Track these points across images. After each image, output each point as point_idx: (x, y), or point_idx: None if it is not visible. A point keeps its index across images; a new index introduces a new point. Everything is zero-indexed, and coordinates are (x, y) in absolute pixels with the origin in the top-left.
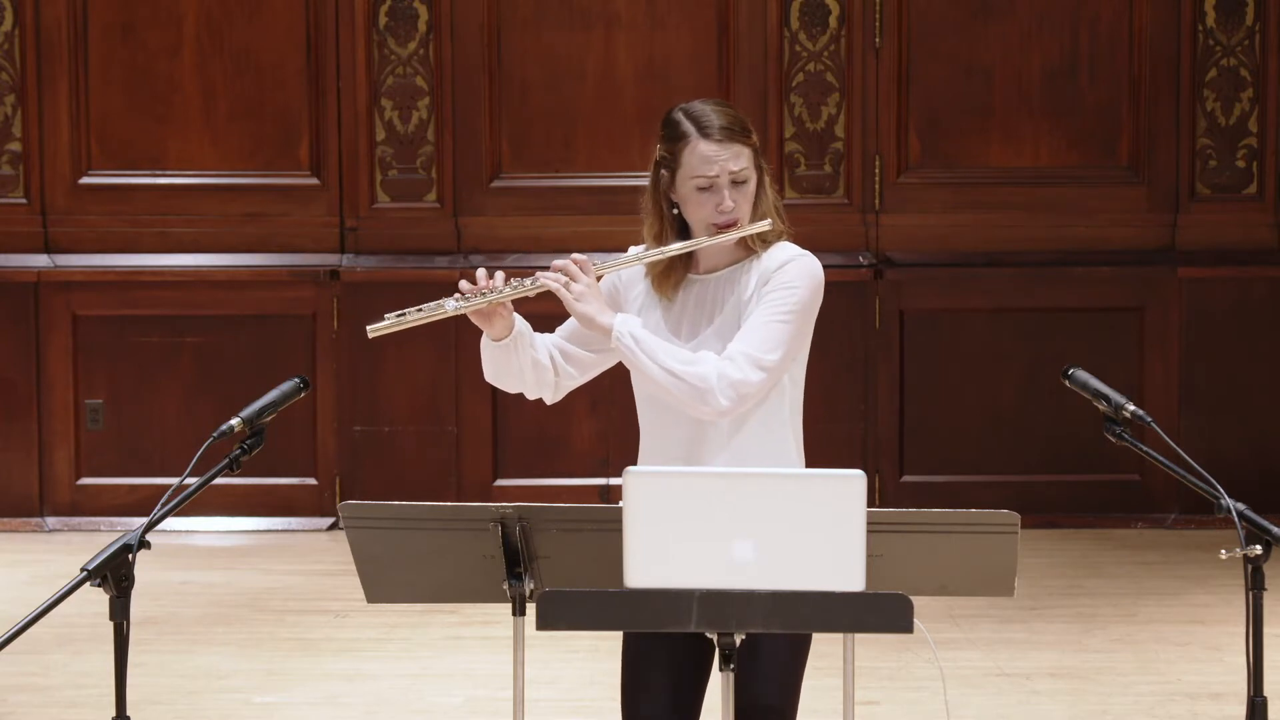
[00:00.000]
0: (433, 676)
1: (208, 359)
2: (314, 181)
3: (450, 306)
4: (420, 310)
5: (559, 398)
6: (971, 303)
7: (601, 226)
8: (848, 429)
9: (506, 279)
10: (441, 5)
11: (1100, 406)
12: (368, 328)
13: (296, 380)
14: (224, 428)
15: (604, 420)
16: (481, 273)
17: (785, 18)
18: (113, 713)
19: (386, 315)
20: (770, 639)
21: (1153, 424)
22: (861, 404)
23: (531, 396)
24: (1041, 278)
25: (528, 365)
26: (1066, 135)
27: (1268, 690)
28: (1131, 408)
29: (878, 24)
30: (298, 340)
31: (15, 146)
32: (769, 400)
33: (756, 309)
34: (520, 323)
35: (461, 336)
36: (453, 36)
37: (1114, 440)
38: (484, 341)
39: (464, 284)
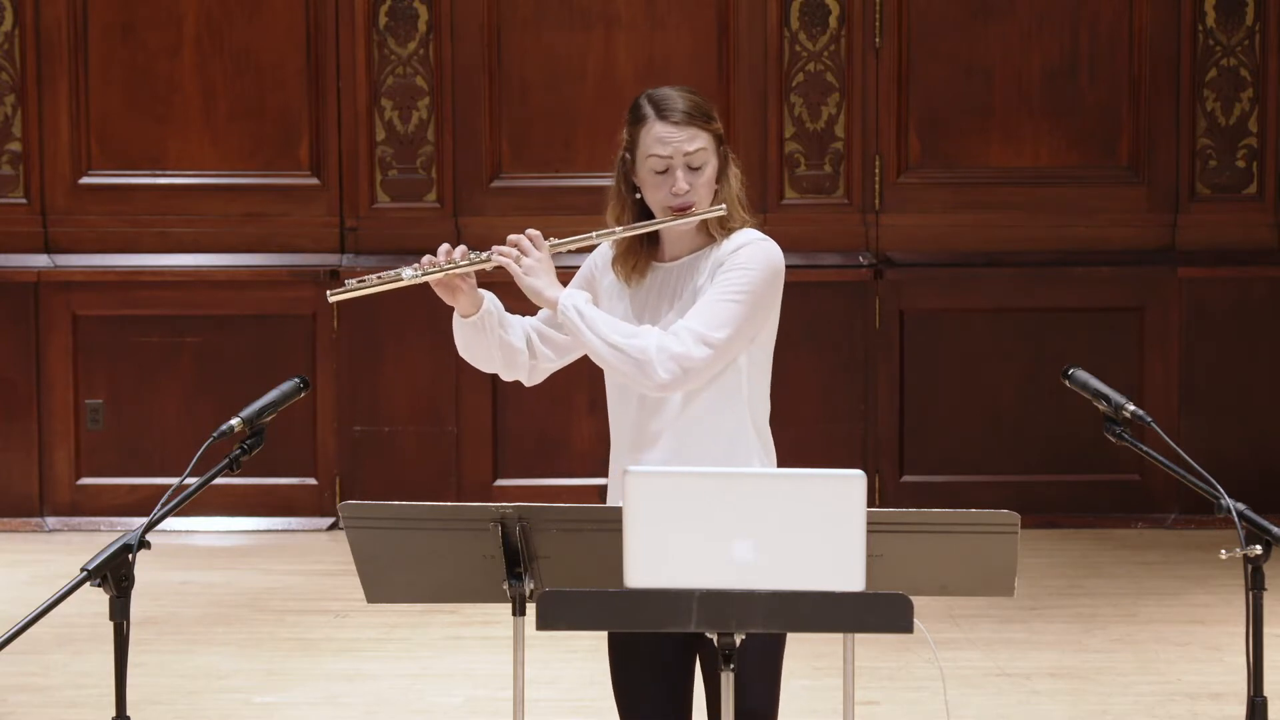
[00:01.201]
0: (433, 676)
1: (208, 359)
2: (314, 181)
3: (407, 275)
4: (379, 278)
5: (537, 380)
6: (971, 303)
7: (601, 226)
8: (848, 429)
9: (466, 253)
10: (441, 5)
11: (1100, 406)
12: (328, 293)
13: (296, 380)
14: (224, 428)
15: (604, 420)
16: (444, 247)
17: (785, 18)
18: (113, 713)
19: (347, 281)
20: (750, 642)
21: (1153, 424)
22: (861, 404)
23: (506, 378)
24: (1041, 278)
25: (495, 345)
26: (1066, 135)
27: (1268, 690)
28: (1131, 408)
29: (878, 24)
30: (298, 340)
31: (15, 146)
32: (723, 382)
33: (709, 289)
34: (490, 302)
35: None
36: (453, 36)
37: (1114, 440)
38: (454, 318)
39: (425, 256)
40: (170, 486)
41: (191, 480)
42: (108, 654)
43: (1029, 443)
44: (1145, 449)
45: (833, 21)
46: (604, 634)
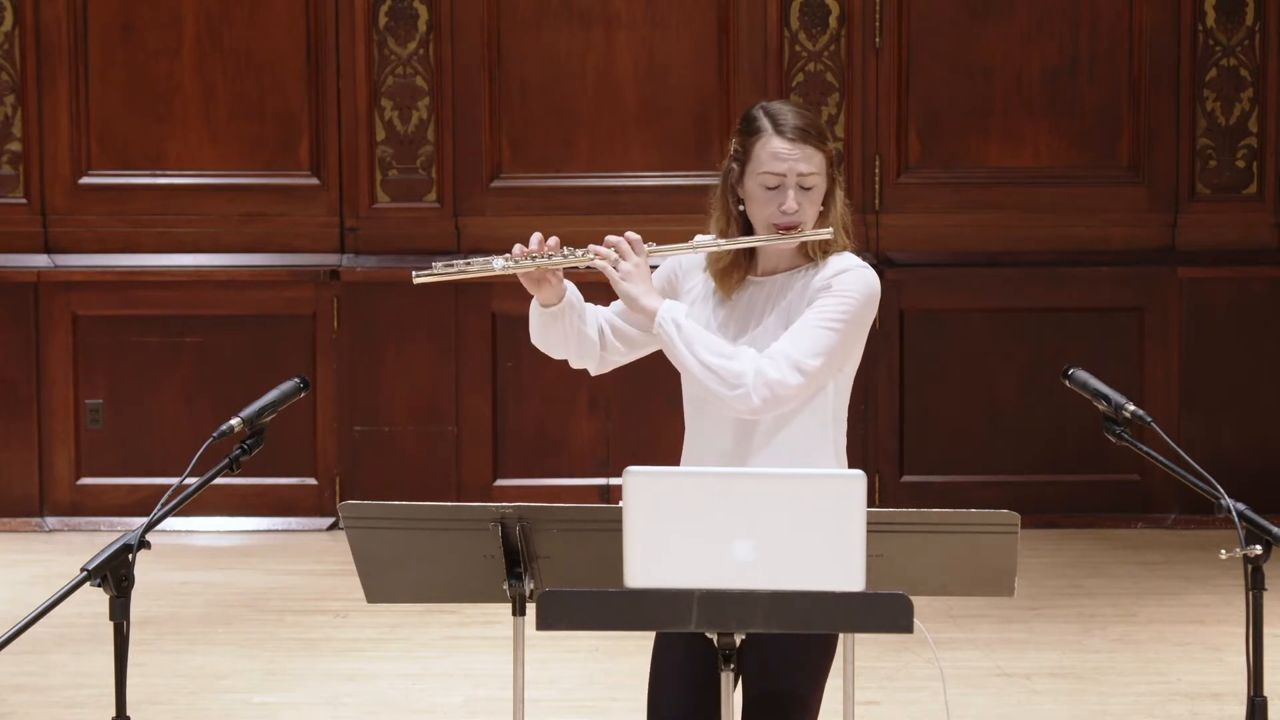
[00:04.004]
0: (433, 676)
1: (208, 359)
2: (314, 181)
3: (498, 265)
4: (469, 263)
5: (604, 370)
6: (971, 303)
7: (601, 227)
8: (848, 429)
9: (558, 245)
10: (441, 5)
11: (1100, 406)
12: (414, 273)
13: (296, 380)
14: (224, 428)
15: (604, 420)
16: (536, 236)
17: (785, 18)
18: (113, 713)
19: (435, 263)
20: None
21: (1153, 424)
22: (861, 404)
23: (575, 366)
24: (1041, 278)
25: (573, 336)
26: (1066, 135)
27: (1268, 690)
28: (1131, 408)
29: (878, 24)
30: (298, 340)
31: (15, 146)
32: (814, 408)
33: (806, 312)
34: (571, 292)
35: (462, 336)
36: (453, 36)
37: (1114, 440)
38: (533, 305)
39: (517, 246)
40: (170, 486)
41: (191, 480)
42: (108, 654)
43: (1029, 443)
44: (1145, 449)
45: (833, 21)
46: (603, 634)
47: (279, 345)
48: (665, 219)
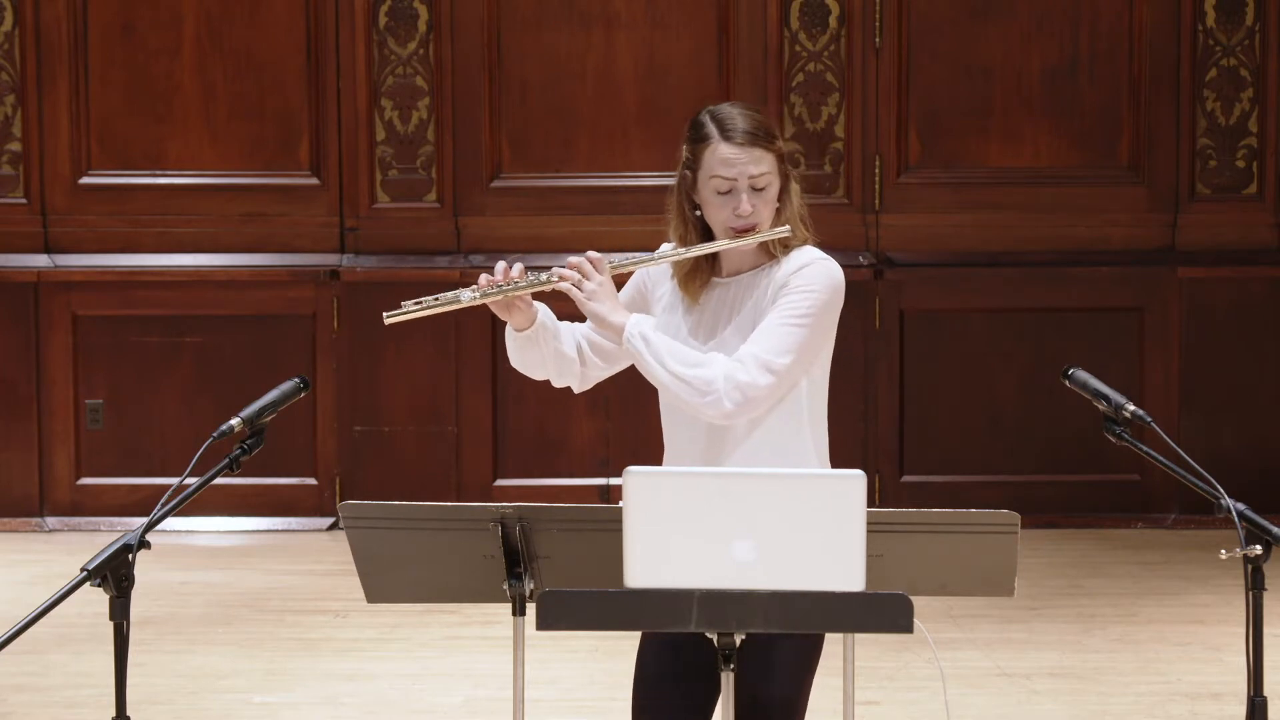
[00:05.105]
0: (433, 676)
1: (208, 359)
2: (314, 181)
3: (466, 297)
4: (437, 300)
5: (586, 387)
6: (971, 303)
7: (601, 226)
8: (848, 429)
9: (523, 273)
10: (441, 5)
11: (1100, 406)
12: (384, 314)
13: (296, 380)
14: (224, 428)
15: (604, 420)
16: (500, 265)
17: (785, 18)
18: (113, 713)
19: (404, 303)
20: (781, 635)
21: (1153, 424)
22: (861, 404)
23: (558, 385)
24: (1041, 278)
25: (550, 356)
26: (1066, 135)
27: (1268, 690)
28: (1131, 408)
29: (878, 24)
30: (298, 340)
31: (15, 146)
32: (785, 406)
33: (771, 311)
34: (544, 314)
35: (462, 336)
36: (453, 36)
37: (1114, 440)
38: (507, 331)
39: (483, 276)
40: (170, 486)
41: (191, 480)
42: (108, 654)
43: (1029, 443)
44: (1145, 449)
45: (833, 21)
46: (603, 634)
47: (279, 345)
48: (665, 219)
